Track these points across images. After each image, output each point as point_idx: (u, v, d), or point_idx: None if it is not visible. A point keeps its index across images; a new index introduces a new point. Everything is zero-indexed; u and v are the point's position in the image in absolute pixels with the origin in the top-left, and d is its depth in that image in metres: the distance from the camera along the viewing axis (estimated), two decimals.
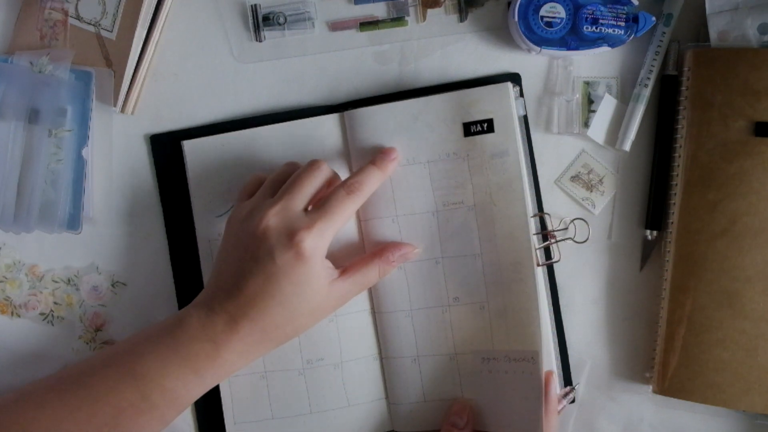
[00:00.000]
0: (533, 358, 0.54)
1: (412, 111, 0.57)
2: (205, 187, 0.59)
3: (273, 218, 0.50)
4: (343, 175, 0.57)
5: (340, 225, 0.51)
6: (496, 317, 0.55)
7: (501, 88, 0.56)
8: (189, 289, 0.59)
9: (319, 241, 0.50)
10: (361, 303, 0.58)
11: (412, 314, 0.57)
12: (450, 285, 0.57)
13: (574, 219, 0.59)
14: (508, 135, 0.55)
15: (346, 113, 0.58)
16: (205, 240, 0.59)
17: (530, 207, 0.56)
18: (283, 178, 0.54)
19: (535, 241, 0.56)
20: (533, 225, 0.56)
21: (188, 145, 0.59)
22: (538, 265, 0.56)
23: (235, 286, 0.50)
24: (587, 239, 0.58)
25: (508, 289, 0.55)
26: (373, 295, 0.58)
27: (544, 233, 0.57)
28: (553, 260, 0.57)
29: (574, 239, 0.58)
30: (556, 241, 0.57)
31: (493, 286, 0.56)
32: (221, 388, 0.58)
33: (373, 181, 0.53)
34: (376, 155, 0.55)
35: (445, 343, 0.57)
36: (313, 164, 0.53)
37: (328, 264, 0.52)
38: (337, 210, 0.51)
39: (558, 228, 0.58)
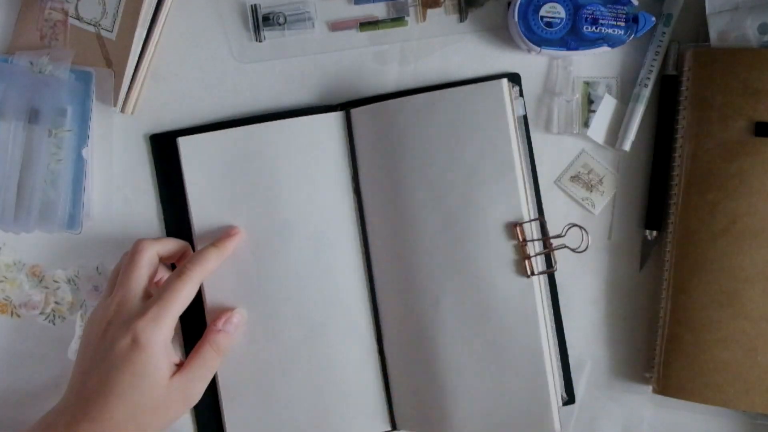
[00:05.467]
0: None
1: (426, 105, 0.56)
2: (201, 185, 0.58)
3: (113, 312, 0.52)
4: (343, 173, 0.57)
5: (177, 309, 0.52)
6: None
7: (495, 85, 0.55)
8: None
9: (155, 328, 0.50)
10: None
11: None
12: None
13: (572, 226, 0.56)
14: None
15: (354, 111, 0.58)
16: (204, 240, 0.59)
17: (530, 210, 0.55)
18: (118, 271, 0.55)
19: (533, 248, 0.54)
20: (531, 231, 0.54)
21: (184, 142, 0.59)
22: (532, 274, 0.54)
23: (81, 384, 0.51)
24: (587, 248, 0.56)
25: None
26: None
27: (543, 239, 0.55)
28: (553, 269, 0.56)
29: (575, 250, 0.56)
30: (552, 250, 0.55)
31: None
32: (221, 388, 0.58)
33: (210, 261, 0.54)
34: (219, 236, 0.56)
35: None
36: (132, 250, 0.54)
37: (173, 356, 0.52)
38: (171, 296, 0.51)
39: (555, 235, 0.55)
